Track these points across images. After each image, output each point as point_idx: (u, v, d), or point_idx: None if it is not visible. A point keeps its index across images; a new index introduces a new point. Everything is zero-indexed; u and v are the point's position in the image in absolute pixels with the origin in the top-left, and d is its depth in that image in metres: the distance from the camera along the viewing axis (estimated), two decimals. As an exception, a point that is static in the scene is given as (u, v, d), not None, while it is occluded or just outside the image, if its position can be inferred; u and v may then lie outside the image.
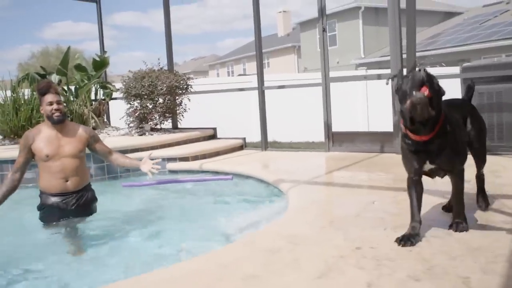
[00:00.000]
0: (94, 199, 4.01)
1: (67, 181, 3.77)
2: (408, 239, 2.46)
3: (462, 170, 2.60)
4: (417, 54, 5.72)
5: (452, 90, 3.08)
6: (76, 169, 3.79)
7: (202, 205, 4.46)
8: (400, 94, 2.37)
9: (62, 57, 8.20)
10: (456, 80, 5.77)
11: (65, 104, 7.58)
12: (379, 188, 3.93)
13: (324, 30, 6.31)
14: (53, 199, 3.78)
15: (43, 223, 3.84)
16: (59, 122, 3.74)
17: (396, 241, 2.49)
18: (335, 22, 29.31)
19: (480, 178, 3.09)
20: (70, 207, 3.80)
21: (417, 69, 2.36)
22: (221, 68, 47.25)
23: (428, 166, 2.52)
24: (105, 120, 8.71)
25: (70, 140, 3.78)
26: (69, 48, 8.25)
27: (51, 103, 3.70)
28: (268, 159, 6.27)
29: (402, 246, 2.43)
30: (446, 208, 3.00)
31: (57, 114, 3.70)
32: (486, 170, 3.12)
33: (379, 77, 6.81)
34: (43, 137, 3.74)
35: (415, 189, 2.60)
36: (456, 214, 2.64)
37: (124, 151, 6.16)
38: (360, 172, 4.82)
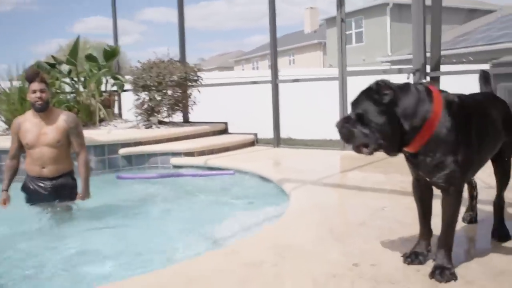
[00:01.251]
0: (71, 185, 3.97)
1: (43, 168, 3.81)
2: (416, 256, 2.06)
3: (460, 192, 1.98)
4: (445, 52, 5.35)
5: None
6: (53, 157, 3.82)
7: (195, 204, 4.10)
8: None
9: (71, 47, 7.95)
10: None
11: (74, 94, 7.45)
12: (393, 192, 3.51)
13: (342, 20, 5.89)
14: (32, 181, 3.87)
15: (27, 202, 3.91)
16: (40, 110, 3.79)
17: (402, 256, 2.09)
18: (362, 19, 28.57)
19: (499, 205, 2.36)
20: (47, 191, 3.84)
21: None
22: (246, 64, 46.81)
23: (423, 176, 2.00)
24: (116, 112, 8.45)
25: (50, 129, 3.80)
26: (78, 38, 7.96)
27: (34, 91, 3.73)
28: (278, 157, 5.89)
29: (408, 264, 2.04)
30: (466, 219, 2.57)
31: (39, 102, 3.73)
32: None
33: (400, 71, 6.32)
34: (27, 125, 3.81)
35: (419, 193, 2.10)
36: (441, 255, 1.94)
37: (127, 144, 5.92)
38: (375, 174, 4.40)
